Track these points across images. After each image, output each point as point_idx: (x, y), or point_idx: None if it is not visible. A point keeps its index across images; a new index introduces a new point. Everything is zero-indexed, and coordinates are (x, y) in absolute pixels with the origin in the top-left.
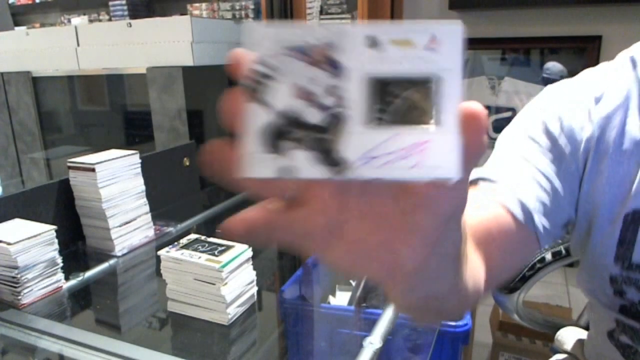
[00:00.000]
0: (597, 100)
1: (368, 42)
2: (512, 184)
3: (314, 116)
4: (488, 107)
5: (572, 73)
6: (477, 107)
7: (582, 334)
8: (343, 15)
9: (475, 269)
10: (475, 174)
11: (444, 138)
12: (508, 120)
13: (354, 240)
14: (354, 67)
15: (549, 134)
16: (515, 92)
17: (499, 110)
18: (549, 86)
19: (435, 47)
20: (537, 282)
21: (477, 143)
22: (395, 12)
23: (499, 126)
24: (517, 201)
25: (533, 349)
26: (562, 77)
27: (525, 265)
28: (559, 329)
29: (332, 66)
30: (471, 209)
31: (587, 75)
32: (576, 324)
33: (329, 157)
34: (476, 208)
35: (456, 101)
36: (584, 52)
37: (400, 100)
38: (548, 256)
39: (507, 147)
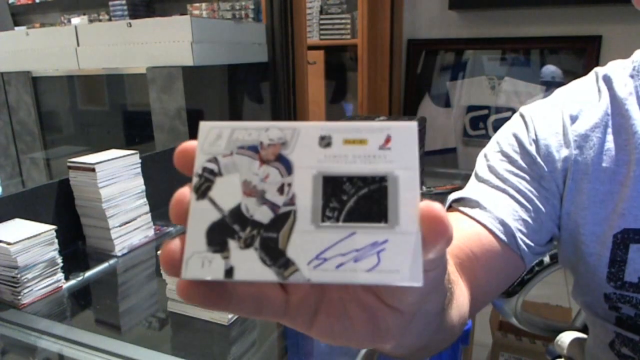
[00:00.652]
0: (574, 119)
1: (321, 141)
2: (493, 205)
3: (262, 215)
4: (488, 107)
5: (571, 73)
6: (438, 207)
7: (579, 336)
8: (343, 15)
9: (459, 299)
10: (456, 195)
11: (401, 239)
12: (507, 120)
13: (335, 316)
14: (306, 165)
15: (527, 154)
16: (515, 92)
17: (498, 110)
18: (523, 107)
19: (390, 146)
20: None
21: (442, 245)
22: (395, 13)
23: (499, 126)
24: (499, 222)
25: (533, 349)
26: (553, 79)
27: (511, 284)
28: (557, 332)
29: (284, 164)
30: (454, 231)
31: (561, 94)
32: (572, 326)
33: (278, 258)
34: (458, 230)
35: (413, 200)
36: (584, 53)
37: (355, 199)
38: (546, 259)
39: (486, 169)
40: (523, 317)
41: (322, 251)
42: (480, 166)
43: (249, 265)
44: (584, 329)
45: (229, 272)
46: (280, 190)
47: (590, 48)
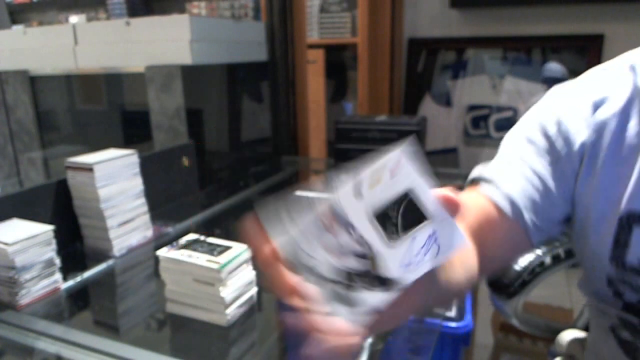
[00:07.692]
0: (597, 106)
1: (355, 194)
2: (504, 182)
3: (359, 264)
4: (489, 107)
5: (573, 72)
6: (450, 193)
7: (581, 335)
8: (343, 14)
9: (469, 262)
10: (475, 173)
11: (443, 225)
12: (509, 120)
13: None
14: (357, 216)
15: (546, 136)
16: (517, 91)
17: (500, 109)
18: (553, 88)
19: (396, 171)
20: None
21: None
22: (395, 11)
23: (501, 126)
24: (507, 198)
25: (534, 350)
26: (552, 76)
27: (520, 259)
28: (558, 333)
29: (345, 226)
30: (467, 206)
31: (588, 78)
32: (574, 326)
33: (380, 282)
34: (472, 205)
35: (433, 197)
36: (586, 51)
37: (400, 216)
38: (547, 260)
39: (508, 149)
40: (524, 318)
41: (403, 261)
42: (504, 146)
43: (368, 298)
44: (585, 330)
45: (359, 311)
46: (358, 242)
47: (593, 47)
